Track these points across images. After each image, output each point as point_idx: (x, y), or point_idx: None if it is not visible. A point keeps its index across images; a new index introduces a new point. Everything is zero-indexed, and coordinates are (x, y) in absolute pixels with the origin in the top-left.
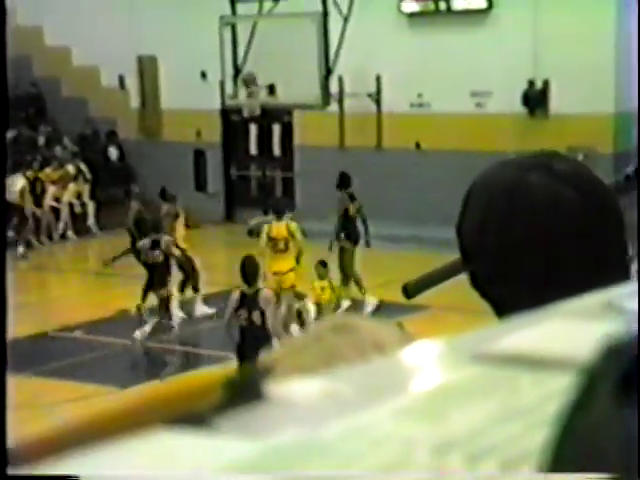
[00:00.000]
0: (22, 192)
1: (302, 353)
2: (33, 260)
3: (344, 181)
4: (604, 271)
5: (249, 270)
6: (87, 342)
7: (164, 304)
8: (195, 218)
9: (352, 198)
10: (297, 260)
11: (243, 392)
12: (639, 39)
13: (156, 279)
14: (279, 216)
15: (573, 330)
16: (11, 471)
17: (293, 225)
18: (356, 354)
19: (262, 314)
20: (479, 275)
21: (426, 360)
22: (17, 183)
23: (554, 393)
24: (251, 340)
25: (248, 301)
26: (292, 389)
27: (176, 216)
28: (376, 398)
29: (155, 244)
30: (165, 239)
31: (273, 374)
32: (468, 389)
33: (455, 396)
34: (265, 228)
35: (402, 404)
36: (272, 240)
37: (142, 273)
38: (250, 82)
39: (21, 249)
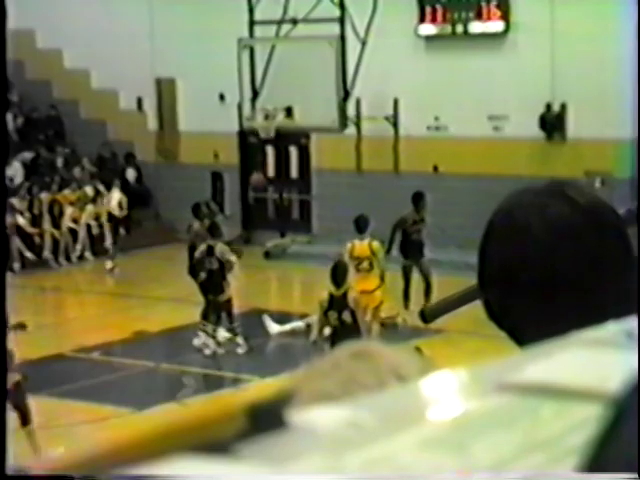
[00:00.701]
0: (120, 204)
1: (322, 380)
2: (51, 281)
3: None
4: (617, 301)
5: (339, 272)
6: (104, 364)
7: (226, 307)
8: None
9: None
10: (382, 278)
11: (265, 419)
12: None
13: (212, 286)
14: (361, 234)
15: (595, 360)
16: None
17: (375, 244)
18: (375, 381)
19: (352, 313)
20: (494, 304)
21: (449, 389)
22: (113, 197)
23: (578, 424)
24: (343, 339)
25: (337, 302)
26: (314, 417)
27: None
28: (399, 427)
29: (210, 250)
30: (219, 245)
31: (294, 401)
32: (491, 419)
33: (478, 426)
34: (347, 247)
35: (425, 434)
36: (356, 259)
37: (160, 295)
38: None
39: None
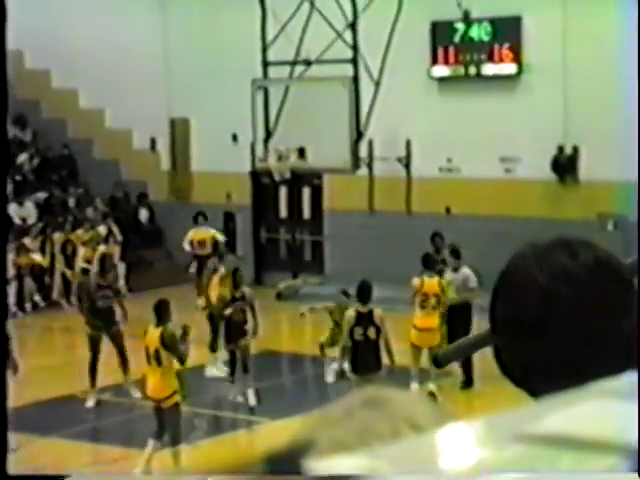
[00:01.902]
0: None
1: (335, 428)
2: (62, 321)
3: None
4: (622, 349)
5: (365, 290)
6: (115, 404)
7: (243, 355)
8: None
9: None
10: (442, 317)
11: (283, 467)
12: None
13: (233, 332)
14: (430, 271)
15: (611, 411)
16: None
17: (445, 281)
18: (390, 430)
19: (377, 330)
20: (503, 352)
21: (465, 439)
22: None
23: (596, 474)
24: (366, 354)
25: (363, 319)
26: (331, 466)
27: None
28: (416, 477)
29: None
30: (247, 291)
31: (310, 450)
32: (509, 469)
33: (497, 476)
34: (416, 283)
35: None
36: (423, 295)
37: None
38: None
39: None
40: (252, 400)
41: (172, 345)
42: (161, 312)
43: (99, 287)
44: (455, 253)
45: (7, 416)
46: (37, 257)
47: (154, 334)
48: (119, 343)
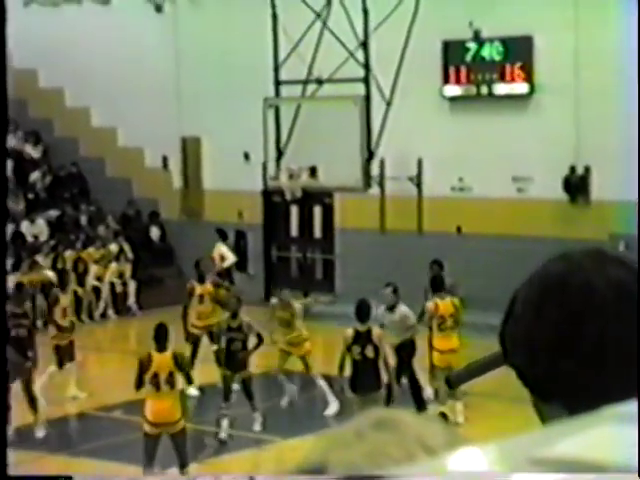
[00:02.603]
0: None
1: (346, 450)
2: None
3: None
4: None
5: (363, 309)
6: (126, 422)
7: (245, 384)
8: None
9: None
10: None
11: None
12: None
13: (232, 363)
14: (441, 292)
15: (626, 436)
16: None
17: (457, 300)
18: (402, 453)
19: (376, 349)
20: (528, 371)
21: (480, 463)
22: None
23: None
24: (363, 373)
25: (362, 338)
26: None
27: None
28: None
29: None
30: (245, 320)
31: (322, 472)
32: None
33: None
34: (430, 307)
35: None
36: (440, 318)
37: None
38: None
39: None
40: (257, 425)
41: (187, 366)
42: (163, 336)
43: (14, 316)
44: (394, 290)
45: (7, 416)
46: (49, 274)
47: (164, 358)
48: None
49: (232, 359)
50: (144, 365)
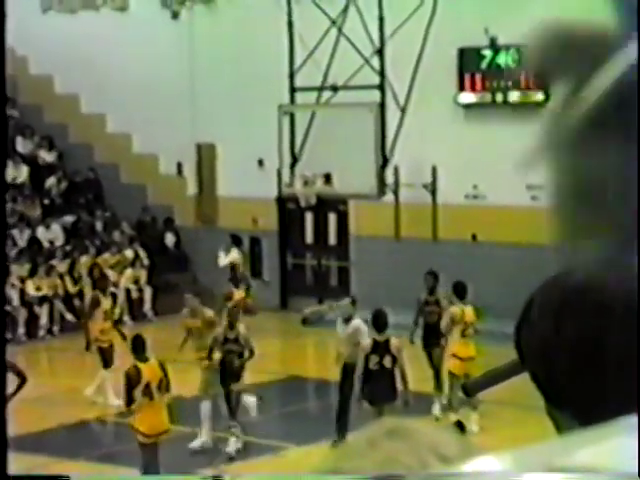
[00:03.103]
0: (235, 265)
1: (359, 459)
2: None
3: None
4: None
5: (381, 320)
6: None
7: (235, 398)
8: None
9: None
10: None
11: None
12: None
13: (226, 375)
14: (464, 299)
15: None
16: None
17: (477, 309)
18: (415, 461)
19: (394, 359)
20: (543, 377)
21: (496, 472)
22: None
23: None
24: (381, 383)
25: (380, 348)
26: None
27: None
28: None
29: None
30: (242, 331)
31: None
32: None
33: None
34: (456, 312)
35: None
36: (464, 324)
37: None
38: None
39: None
40: (231, 447)
41: (166, 372)
42: (141, 347)
43: None
44: (353, 302)
45: (6, 416)
46: (65, 280)
47: (152, 367)
48: None
49: (227, 371)
50: (133, 379)
